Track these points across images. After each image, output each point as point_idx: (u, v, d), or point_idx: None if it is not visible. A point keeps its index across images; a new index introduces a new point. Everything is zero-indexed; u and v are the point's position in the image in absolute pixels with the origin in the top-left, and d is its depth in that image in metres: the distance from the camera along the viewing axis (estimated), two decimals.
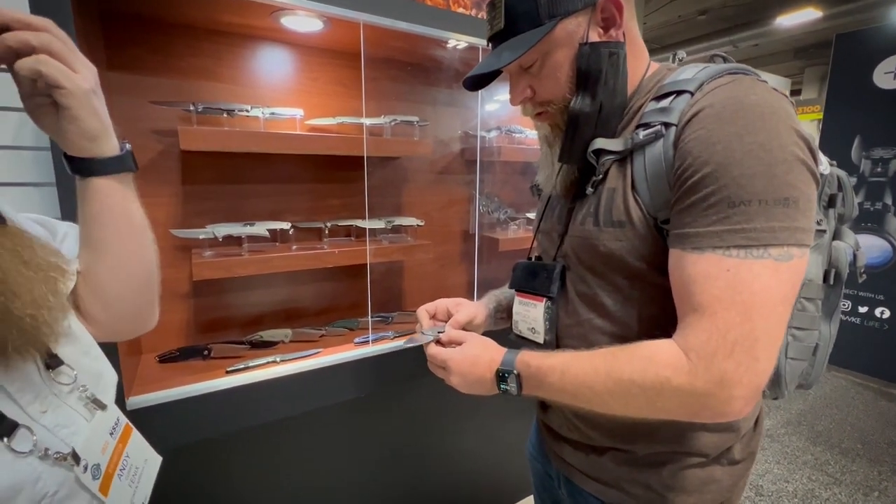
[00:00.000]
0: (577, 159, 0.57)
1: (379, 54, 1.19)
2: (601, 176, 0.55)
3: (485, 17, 0.59)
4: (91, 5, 0.85)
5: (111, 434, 0.49)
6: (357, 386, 1.09)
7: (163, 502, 0.97)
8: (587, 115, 0.54)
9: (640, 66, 0.57)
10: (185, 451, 0.92)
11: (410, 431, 1.26)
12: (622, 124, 0.56)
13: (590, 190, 0.56)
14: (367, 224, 1.16)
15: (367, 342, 1.11)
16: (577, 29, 0.53)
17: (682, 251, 0.46)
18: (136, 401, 0.84)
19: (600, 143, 0.54)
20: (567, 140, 0.57)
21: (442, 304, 0.78)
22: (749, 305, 0.42)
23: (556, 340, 0.62)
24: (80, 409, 0.46)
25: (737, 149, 0.43)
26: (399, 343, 1.13)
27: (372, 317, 1.20)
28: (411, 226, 1.27)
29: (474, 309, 0.76)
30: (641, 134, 0.50)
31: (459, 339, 0.65)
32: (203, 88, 1.03)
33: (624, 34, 0.53)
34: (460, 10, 1.38)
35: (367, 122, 1.13)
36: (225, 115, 1.00)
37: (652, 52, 0.59)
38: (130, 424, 0.52)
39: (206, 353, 1.02)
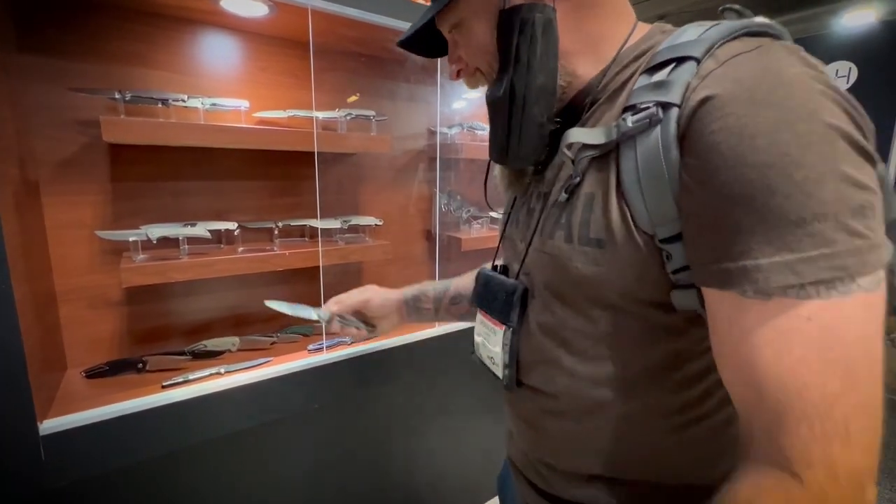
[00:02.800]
0: (522, 158, 0.45)
1: (332, 44, 1.13)
2: (578, 179, 0.42)
3: None
4: None
5: None
6: (312, 396, 1.03)
7: None
8: (499, 103, 0.44)
9: (615, 28, 0.44)
10: (114, 477, 0.83)
11: (370, 439, 1.20)
12: (599, 105, 0.43)
13: (563, 196, 0.43)
14: (320, 224, 1.09)
15: (321, 349, 1.05)
16: None
17: (732, 295, 0.32)
18: (54, 424, 0.75)
19: (575, 134, 0.41)
20: (492, 135, 0.47)
21: (353, 295, 0.76)
22: (848, 364, 0.29)
23: (517, 377, 0.52)
24: None
25: (791, 142, 0.29)
26: (357, 349, 1.07)
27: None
28: (369, 225, 1.22)
29: (374, 294, 0.75)
30: (630, 120, 0.37)
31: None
32: (134, 75, 0.94)
33: None
34: None
35: (318, 115, 1.07)
36: (159, 104, 0.92)
37: None
38: None
39: (140, 366, 0.93)
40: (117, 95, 0.86)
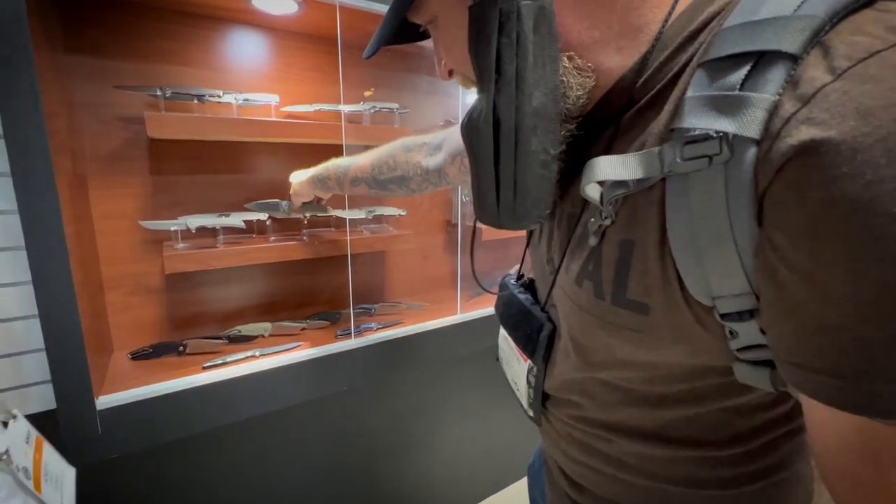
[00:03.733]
0: (522, 217, 0.33)
1: (358, 40, 1.15)
2: (609, 221, 0.31)
3: None
4: None
5: (27, 442, 0.53)
6: (340, 379, 1.07)
7: (141, 502, 0.94)
8: (477, 136, 0.32)
9: None
10: (162, 451, 0.89)
11: (395, 422, 1.25)
12: (639, 110, 0.30)
13: (593, 240, 0.33)
14: (347, 214, 1.13)
15: (349, 335, 1.10)
16: None
17: (861, 420, 0.23)
18: (107, 400, 0.81)
19: (602, 168, 0.29)
20: (474, 184, 0.34)
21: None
22: None
23: (541, 418, 0.47)
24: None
25: None
26: (383, 335, 1.11)
27: (354, 309, 1.17)
28: (393, 216, 1.25)
29: (296, 184, 0.96)
30: (678, 154, 0.25)
31: None
32: (171, 73, 0.99)
33: None
34: None
35: (345, 109, 1.10)
36: (195, 100, 0.96)
37: None
38: (41, 436, 0.55)
39: (181, 349, 0.98)
40: (159, 92, 0.90)
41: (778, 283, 0.24)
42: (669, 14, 0.29)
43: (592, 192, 0.31)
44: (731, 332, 0.28)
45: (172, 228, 0.95)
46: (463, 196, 1.46)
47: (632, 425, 0.38)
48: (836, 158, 0.20)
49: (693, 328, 0.29)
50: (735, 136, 0.23)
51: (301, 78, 1.14)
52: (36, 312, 0.72)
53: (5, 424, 0.50)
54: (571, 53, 0.31)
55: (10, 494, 0.45)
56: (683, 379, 0.34)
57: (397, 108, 1.19)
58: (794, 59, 0.22)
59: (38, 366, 0.88)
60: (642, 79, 0.30)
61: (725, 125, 0.23)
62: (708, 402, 0.34)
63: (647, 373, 0.35)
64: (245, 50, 1.07)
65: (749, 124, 0.23)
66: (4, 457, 0.47)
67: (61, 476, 0.54)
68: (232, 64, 1.05)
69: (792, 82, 0.22)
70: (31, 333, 0.87)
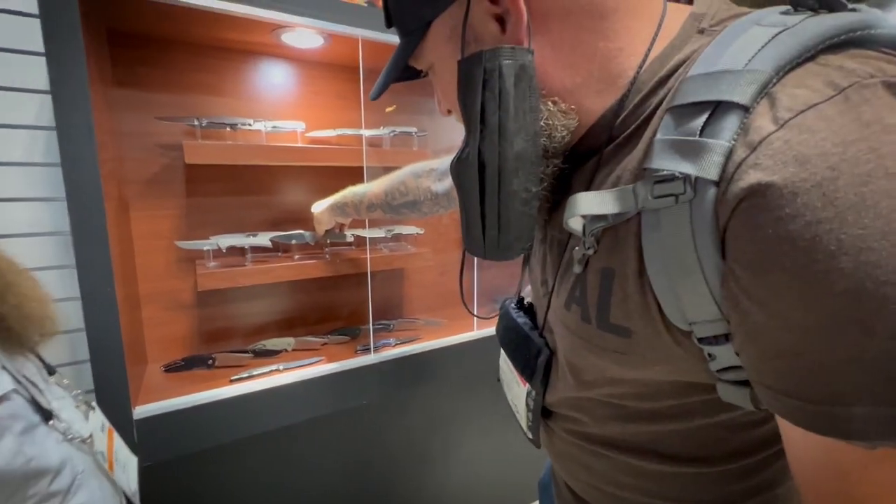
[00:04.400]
0: (505, 249, 0.35)
1: (378, 67, 1.22)
2: (591, 250, 0.34)
3: None
4: (99, 25, 0.88)
5: (102, 430, 0.59)
6: (360, 393, 1.10)
7: None
8: (464, 177, 0.34)
9: (630, 37, 0.33)
10: (192, 459, 0.94)
11: (412, 438, 1.27)
12: (617, 146, 0.33)
13: (577, 268, 0.35)
14: (367, 233, 1.18)
15: (368, 350, 1.13)
16: (452, 32, 0.35)
17: (827, 439, 0.24)
18: (143, 410, 0.85)
19: (582, 203, 0.32)
20: (463, 220, 0.36)
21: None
22: None
23: (538, 441, 0.49)
24: (78, 408, 0.55)
25: (892, 264, 0.21)
26: (401, 350, 1.15)
27: (373, 325, 1.21)
28: (411, 234, 1.29)
29: (317, 213, 1.02)
30: (649, 192, 0.28)
31: None
32: (206, 103, 1.06)
33: (531, 22, 0.32)
34: None
35: (366, 133, 1.15)
36: (228, 129, 1.03)
37: None
38: (111, 426, 0.61)
39: (210, 362, 1.03)
40: (196, 122, 0.97)
41: (741, 311, 0.26)
42: (643, 62, 0.32)
43: (575, 224, 0.34)
44: (709, 355, 0.30)
45: (205, 248, 1.01)
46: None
47: (625, 440, 0.40)
48: (779, 200, 0.23)
49: (674, 350, 0.31)
50: (697, 177, 0.26)
51: (325, 104, 1.21)
52: (81, 326, 0.78)
53: (86, 415, 0.55)
54: (556, 98, 0.34)
55: (91, 474, 0.51)
56: (671, 395, 0.35)
57: (415, 132, 1.24)
58: (745, 109, 0.25)
59: (79, 375, 0.94)
60: (620, 118, 0.33)
61: (688, 168, 0.26)
62: (697, 418, 0.36)
63: (636, 389, 0.37)
64: (274, 80, 1.14)
65: (708, 167, 0.25)
66: (89, 440, 0.53)
67: (127, 462, 0.61)
68: (262, 93, 1.13)
69: (743, 130, 0.25)
70: (75, 345, 0.93)
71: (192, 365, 1.03)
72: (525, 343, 0.45)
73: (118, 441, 0.61)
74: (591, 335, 0.35)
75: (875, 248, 0.21)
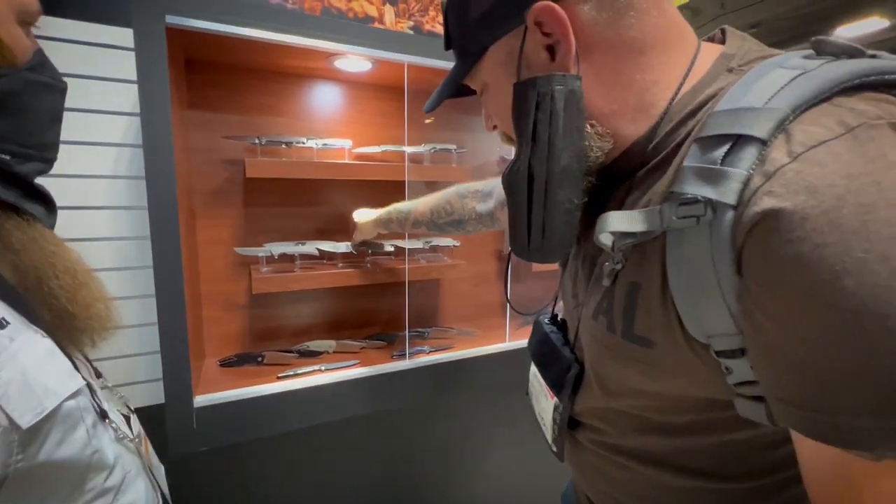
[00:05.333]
0: (548, 253, 0.39)
1: (420, 88, 1.29)
2: (620, 266, 0.37)
3: None
4: (179, 55, 0.99)
5: (142, 433, 0.59)
6: (393, 397, 1.16)
7: (214, 497, 1.07)
8: (515, 187, 0.38)
9: (664, 72, 0.36)
10: (245, 447, 1.02)
11: (442, 443, 1.31)
12: (648, 171, 0.37)
13: (606, 281, 0.39)
14: (405, 244, 1.24)
15: (403, 356, 1.18)
16: (507, 57, 0.38)
17: (818, 443, 0.27)
18: (201, 399, 0.94)
19: (613, 221, 0.35)
20: (511, 225, 0.40)
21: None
22: None
23: (562, 454, 0.51)
24: (120, 411, 0.55)
25: (893, 285, 0.23)
26: (435, 357, 1.19)
27: (409, 332, 1.27)
28: (448, 246, 1.34)
29: (361, 223, 1.05)
30: (674, 213, 0.31)
31: None
32: (266, 123, 1.16)
33: (578, 52, 0.36)
34: None
35: (408, 150, 1.22)
36: (284, 146, 1.13)
37: None
38: (146, 435, 0.61)
39: (259, 359, 1.12)
40: (256, 140, 1.07)
41: (755, 325, 0.28)
42: (675, 95, 0.36)
43: (605, 240, 0.37)
44: (726, 369, 0.32)
45: (259, 254, 1.10)
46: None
47: (646, 452, 0.42)
48: (790, 224, 0.25)
49: (693, 363, 0.33)
50: (717, 201, 0.28)
51: (371, 123, 1.29)
52: (154, 321, 0.88)
53: (127, 420, 0.55)
54: (594, 122, 0.38)
55: (137, 475, 0.51)
56: (690, 409, 0.37)
57: (454, 149, 1.30)
58: (763, 142, 0.28)
59: (145, 367, 1.05)
60: (652, 144, 0.37)
61: (709, 192, 0.29)
62: (717, 434, 0.37)
63: (657, 402, 0.39)
64: (325, 101, 1.23)
65: (727, 193, 0.28)
66: (136, 441, 0.54)
67: (157, 469, 0.61)
68: (314, 113, 1.22)
69: (760, 161, 0.27)
70: (144, 339, 1.04)
71: (243, 361, 1.11)
72: (556, 357, 0.48)
73: (150, 447, 0.61)
74: (616, 345, 0.37)
75: (876, 271, 0.23)
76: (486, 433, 1.37)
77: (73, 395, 0.42)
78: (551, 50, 0.36)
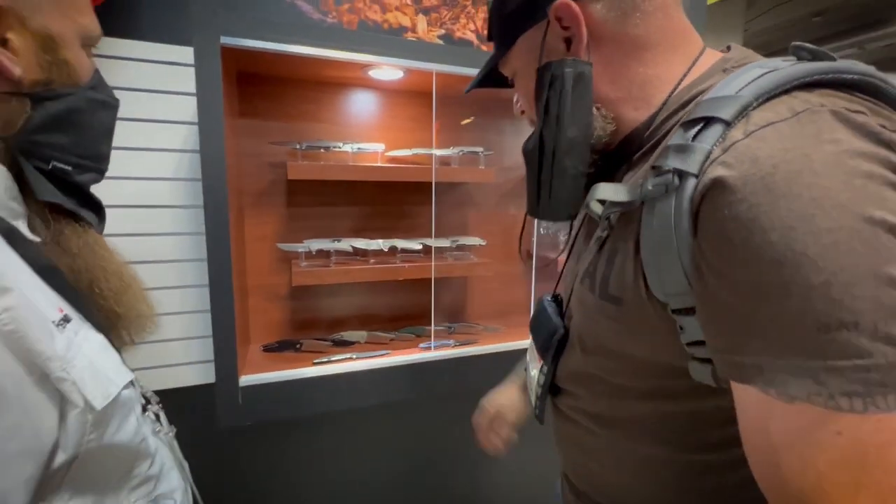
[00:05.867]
0: (554, 212, 0.44)
1: (448, 93, 1.35)
2: (606, 233, 0.42)
3: None
4: (232, 70, 1.11)
5: (173, 429, 0.60)
6: (419, 386, 1.22)
7: (251, 472, 1.17)
8: (530, 155, 0.45)
9: (667, 69, 0.41)
10: (283, 425, 1.12)
11: (463, 433, 1.36)
12: (643, 154, 0.42)
13: (594, 248, 0.44)
14: (433, 242, 1.31)
15: (429, 347, 1.25)
16: (533, 46, 0.44)
17: (754, 390, 0.29)
18: (246, 379, 1.05)
19: (603, 191, 0.40)
20: (527, 188, 0.46)
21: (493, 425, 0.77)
22: (888, 490, 0.25)
23: (542, 416, 0.55)
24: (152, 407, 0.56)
25: (810, 241, 0.26)
26: (460, 351, 1.25)
27: (435, 326, 1.33)
28: (474, 245, 1.40)
29: (506, 411, 0.76)
30: (650, 182, 0.35)
31: None
32: (306, 129, 1.26)
33: (590, 44, 0.41)
34: None
35: (437, 152, 1.29)
36: (322, 150, 1.22)
37: None
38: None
39: (298, 346, 1.22)
40: (298, 146, 1.17)
41: (701, 278, 0.32)
42: (674, 89, 0.41)
43: (595, 207, 0.42)
44: (681, 328, 0.35)
45: (299, 250, 1.20)
46: (541, 228, 1.57)
47: (612, 417, 0.45)
48: (733, 188, 0.29)
49: (654, 321, 0.37)
50: (683, 170, 0.33)
51: (402, 127, 1.37)
52: (207, 308, 0.99)
53: (157, 418, 0.55)
54: (600, 105, 0.43)
55: (171, 467, 0.54)
56: (653, 375, 0.41)
57: (482, 151, 1.35)
58: (727, 124, 0.32)
59: (198, 349, 1.17)
60: (648, 131, 0.42)
61: (678, 163, 0.33)
62: (678, 402, 0.40)
63: (624, 364, 0.43)
64: (360, 107, 1.32)
65: (692, 164, 0.32)
66: (171, 434, 0.56)
67: (185, 464, 0.62)
68: (350, 119, 1.31)
69: (723, 138, 0.32)
70: (197, 324, 1.17)
71: (284, 347, 1.22)
72: (547, 323, 0.53)
73: (177, 445, 0.63)
74: (594, 303, 0.42)
75: (795, 227, 0.27)
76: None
77: (127, 386, 0.46)
78: (568, 42, 0.42)
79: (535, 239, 1.55)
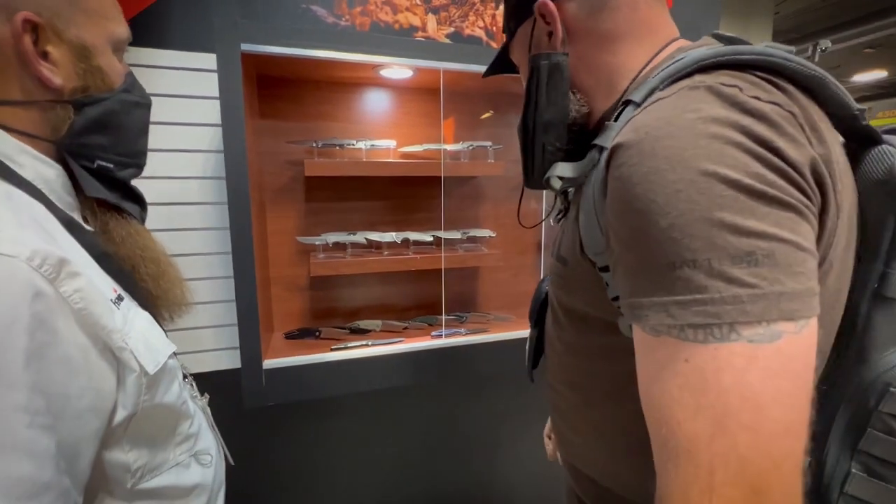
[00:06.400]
0: (537, 181, 0.50)
1: (459, 91, 1.39)
2: (564, 205, 0.51)
3: None
4: (252, 73, 1.18)
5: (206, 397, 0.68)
6: (430, 373, 1.28)
7: (273, 449, 1.25)
8: (518, 134, 0.51)
9: (632, 59, 0.45)
10: (302, 406, 1.19)
11: (476, 421, 1.41)
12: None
13: (557, 218, 0.52)
14: (443, 234, 1.35)
15: (441, 336, 1.30)
16: (526, 38, 0.50)
17: (637, 328, 0.34)
18: (269, 363, 1.13)
19: (561, 169, 0.46)
20: (522, 160, 0.52)
21: None
22: (720, 411, 0.28)
23: (532, 376, 0.63)
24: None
25: (659, 190, 0.30)
26: (470, 339, 1.30)
27: (446, 315, 1.38)
28: (484, 237, 1.44)
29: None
30: (587, 158, 0.43)
31: None
32: (322, 127, 1.33)
33: (567, 35, 0.46)
34: None
35: (446, 147, 1.33)
36: (337, 147, 1.28)
37: (790, 42, 0.51)
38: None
39: (317, 333, 1.29)
40: (314, 144, 1.24)
41: (605, 233, 0.37)
42: (636, 77, 0.46)
43: (555, 183, 0.47)
44: (606, 284, 0.41)
45: (317, 243, 1.27)
46: (552, 221, 1.59)
47: (574, 379, 0.51)
48: (620, 152, 0.34)
49: (590, 279, 0.43)
50: (601, 146, 0.39)
51: (413, 123, 1.42)
52: (232, 298, 1.06)
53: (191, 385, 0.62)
54: (576, 91, 0.49)
55: (206, 429, 0.59)
56: (595, 330, 0.45)
57: (490, 145, 1.39)
58: (637, 104, 0.38)
59: (225, 336, 1.25)
60: (612, 117, 0.45)
61: (600, 140, 0.40)
62: (621, 361, 0.41)
63: (572, 321, 0.49)
64: (372, 106, 1.38)
65: (607, 140, 0.38)
66: (205, 399, 0.63)
67: (216, 431, 0.68)
68: (362, 117, 1.37)
69: (632, 117, 0.37)
70: (225, 313, 1.25)
71: (304, 335, 1.29)
72: (538, 295, 0.62)
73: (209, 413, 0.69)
74: (553, 266, 0.50)
75: (653, 181, 0.31)
76: (516, 414, 1.46)
77: (171, 356, 0.51)
78: (550, 35, 0.47)
79: (543, 231, 1.58)
